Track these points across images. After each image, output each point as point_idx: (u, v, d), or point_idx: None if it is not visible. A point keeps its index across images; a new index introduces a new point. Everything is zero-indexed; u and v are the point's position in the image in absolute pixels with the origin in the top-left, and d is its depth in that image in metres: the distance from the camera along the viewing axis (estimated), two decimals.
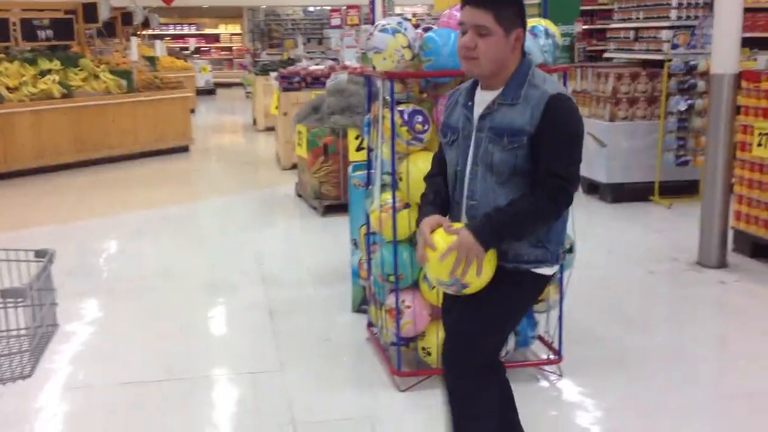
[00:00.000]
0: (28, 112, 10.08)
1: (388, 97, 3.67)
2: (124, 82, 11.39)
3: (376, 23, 3.81)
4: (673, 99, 7.53)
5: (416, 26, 4.08)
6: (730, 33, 5.43)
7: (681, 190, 7.76)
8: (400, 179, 3.68)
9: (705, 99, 7.25)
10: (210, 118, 17.44)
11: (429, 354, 3.84)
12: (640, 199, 7.78)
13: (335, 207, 7.42)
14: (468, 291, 2.52)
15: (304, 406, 3.72)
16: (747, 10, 7.95)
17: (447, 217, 2.62)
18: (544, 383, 3.93)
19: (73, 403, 3.84)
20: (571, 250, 3.97)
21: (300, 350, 4.39)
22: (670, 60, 7.62)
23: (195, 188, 9.52)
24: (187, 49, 26.87)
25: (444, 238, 2.47)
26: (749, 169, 5.87)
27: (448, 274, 2.46)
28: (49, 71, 10.89)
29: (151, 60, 16.36)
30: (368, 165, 4.27)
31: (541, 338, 4.16)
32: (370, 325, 4.43)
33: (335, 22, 19.47)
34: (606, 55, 9.52)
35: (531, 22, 3.74)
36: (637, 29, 8.64)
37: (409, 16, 20.19)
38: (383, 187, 3.87)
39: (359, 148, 6.50)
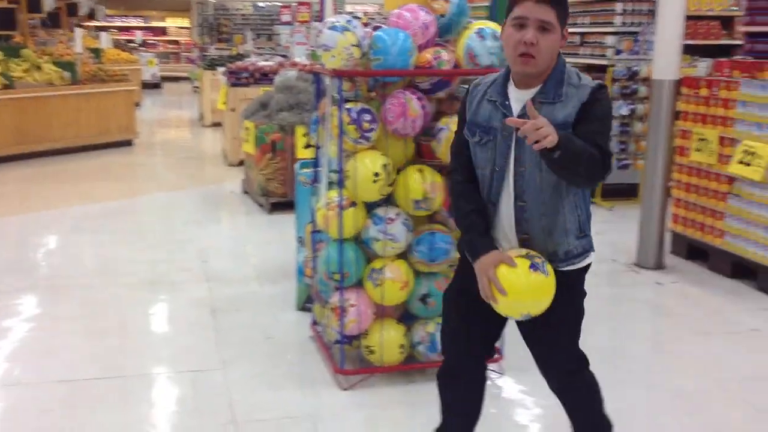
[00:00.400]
0: None
1: (336, 95, 3.66)
2: (67, 74, 11.14)
3: (326, 21, 3.80)
4: (615, 103, 7.68)
5: (366, 25, 4.08)
6: (671, 40, 5.57)
7: (622, 192, 7.93)
8: (347, 177, 3.68)
9: (646, 104, 7.42)
10: (155, 112, 17.17)
11: (372, 352, 3.84)
12: None
13: (282, 204, 7.39)
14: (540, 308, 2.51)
15: (245, 405, 3.69)
16: (688, 17, 8.16)
17: None
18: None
19: (6, 401, 3.75)
20: None
21: (242, 348, 4.35)
22: (613, 65, 7.78)
23: (138, 183, 9.37)
24: (133, 41, 26.41)
25: (516, 278, 2.41)
26: (687, 173, 6.02)
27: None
28: None
29: (96, 52, 16.03)
30: (315, 163, 4.26)
31: None
32: (314, 323, 4.42)
33: (285, 18, 19.35)
34: None
35: (479, 24, 3.78)
36: (582, 34, 8.79)
37: (360, 15, 20.19)
38: (330, 185, 3.87)
39: (307, 146, 6.48)
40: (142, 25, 28.28)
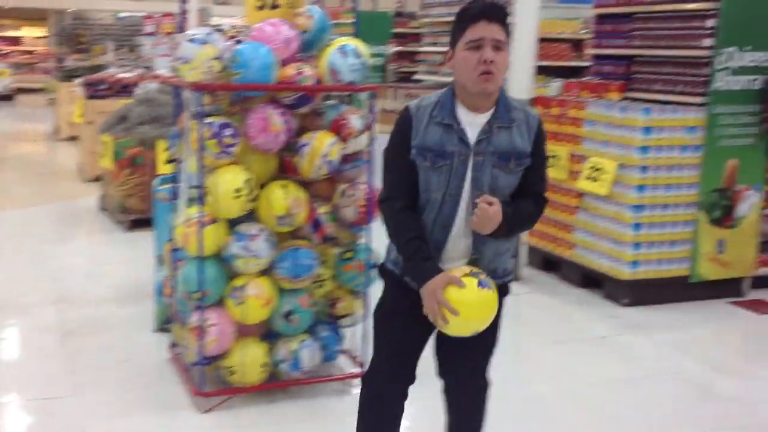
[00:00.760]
0: None
1: (195, 109, 3.58)
2: None
3: (185, 33, 3.73)
4: None
5: (234, 38, 4.03)
6: (524, 61, 5.82)
7: None
8: (208, 193, 3.60)
9: None
10: (6, 125, 16.23)
11: (233, 372, 3.77)
12: None
13: (142, 221, 7.12)
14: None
15: None
16: (542, 40, 8.55)
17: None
18: (348, 396, 3.97)
19: None
20: (376, 265, 4.05)
21: (96, 373, 4.16)
22: None
23: None
24: None
25: (465, 298, 2.43)
26: None
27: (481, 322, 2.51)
28: None
29: None
30: (175, 178, 4.15)
31: (347, 352, 4.21)
32: (173, 344, 4.29)
33: (149, 29, 18.80)
34: (416, 76, 9.88)
35: (341, 41, 3.81)
36: (445, 53, 9.04)
37: (227, 27, 19.91)
38: (190, 201, 3.77)
39: (169, 161, 6.29)
40: None
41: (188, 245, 3.68)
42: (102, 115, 9.11)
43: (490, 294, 2.48)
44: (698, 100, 5.44)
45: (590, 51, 6.90)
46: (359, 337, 4.08)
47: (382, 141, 8.91)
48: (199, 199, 3.61)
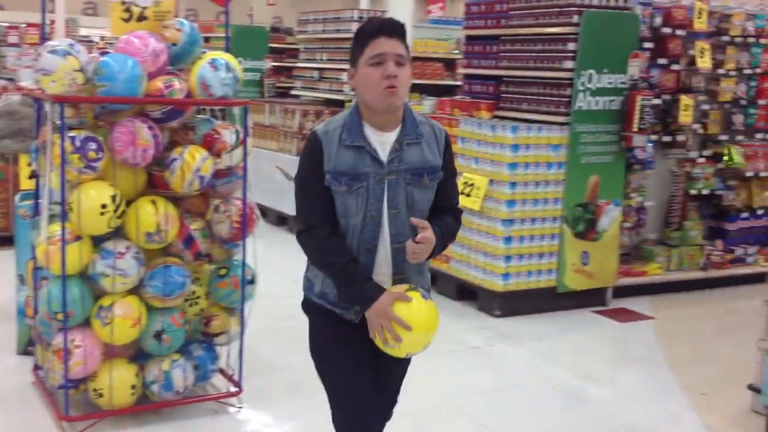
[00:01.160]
0: None
1: (57, 122, 3.44)
2: None
3: (46, 44, 3.59)
4: None
5: (101, 50, 3.90)
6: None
7: None
8: (71, 210, 3.46)
9: None
10: None
11: (101, 395, 3.62)
12: None
13: (3, 239, 6.75)
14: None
15: None
16: (417, 59, 8.76)
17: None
18: (224, 416, 3.91)
19: None
20: (252, 281, 4.02)
21: None
22: (350, 100, 8.11)
23: None
24: None
25: (415, 312, 2.40)
26: None
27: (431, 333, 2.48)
28: None
29: None
30: (36, 194, 3.96)
31: (222, 371, 4.13)
32: (36, 367, 4.08)
33: (13, 40, 17.89)
34: (293, 92, 9.87)
35: (212, 55, 3.77)
36: (321, 69, 9.08)
37: (97, 39, 19.24)
38: (52, 217, 3.61)
39: (32, 176, 6.00)
40: None
41: (51, 264, 3.52)
42: None
43: (434, 306, 2.49)
44: (562, 119, 5.70)
45: (461, 71, 7.11)
46: (235, 355, 4.01)
47: (258, 156, 8.81)
48: (62, 216, 3.46)
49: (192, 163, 3.59)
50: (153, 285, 3.61)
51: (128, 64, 3.46)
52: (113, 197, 3.47)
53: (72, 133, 3.44)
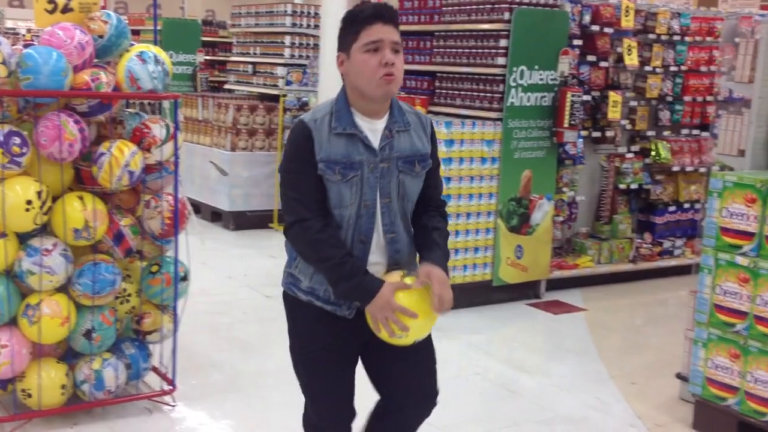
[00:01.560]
0: None
1: None
2: None
3: None
4: (285, 132, 7.95)
5: (30, 42, 3.78)
6: (333, 73, 5.90)
7: None
8: None
9: None
10: None
11: (29, 396, 3.53)
12: (261, 226, 8.06)
13: None
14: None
15: None
16: None
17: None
18: (158, 415, 3.84)
19: None
20: (185, 278, 3.96)
21: None
22: (285, 95, 8.06)
23: None
24: None
25: (417, 298, 2.34)
26: None
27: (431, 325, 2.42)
28: None
29: None
30: None
31: (155, 369, 4.06)
32: None
33: None
34: (227, 86, 9.75)
35: (140, 47, 3.69)
36: (254, 64, 8.99)
37: (23, 31, 18.65)
38: None
39: None
40: None
41: None
42: None
43: (429, 286, 2.40)
44: (495, 115, 5.78)
45: None
46: (168, 353, 3.95)
47: (191, 151, 8.69)
48: None
49: (120, 158, 3.51)
50: (82, 283, 3.53)
51: (53, 57, 3.37)
52: (39, 193, 3.38)
53: None
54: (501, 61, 5.72)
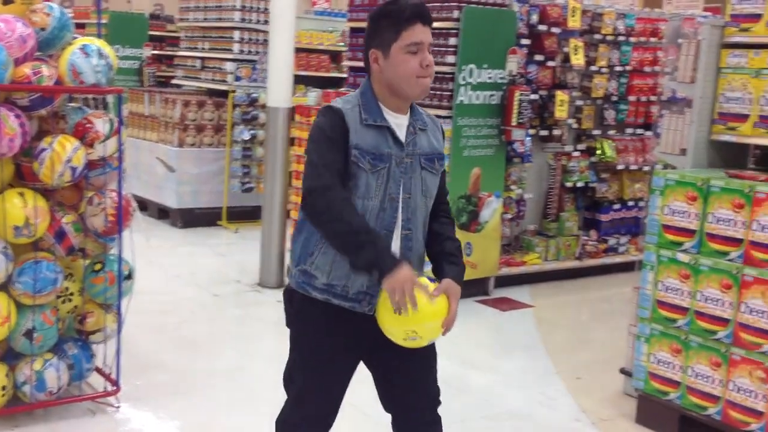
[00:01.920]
0: None
1: None
2: None
3: None
4: (237, 128, 7.88)
5: None
6: (282, 70, 5.88)
7: (247, 215, 8.13)
8: None
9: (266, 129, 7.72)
10: None
11: None
12: (209, 223, 7.97)
13: None
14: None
15: None
16: (303, 50, 8.70)
17: None
18: (101, 416, 3.77)
19: None
20: (129, 276, 3.89)
21: None
22: (234, 91, 7.98)
23: None
24: None
25: (435, 305, 2.32)
26: None
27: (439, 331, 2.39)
28: None
29: None
30: None
31: (99, 370, 3.98)
32: None
33: None
34: (174, 81, 9.61)
35: (84, 40, 3.62)
36: (203, 59, 8.88)
37: None
38: None
39: None
40: None
41: None
42: None
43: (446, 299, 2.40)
44: (445, 112, 5.80)
45: (347, 63, 7.12)
46: (112, 354, 3.88)
47: (138, 147, 8.54)
48: None
49: (62, 154, 3.43)
50: (22, 281, 3.44)
51: None
52: None
53: None
54: (450, 59, 5.75)
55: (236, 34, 8.34)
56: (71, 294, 3.72)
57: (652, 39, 7.15)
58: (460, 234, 5.83)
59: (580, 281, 6.84)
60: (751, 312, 3.56)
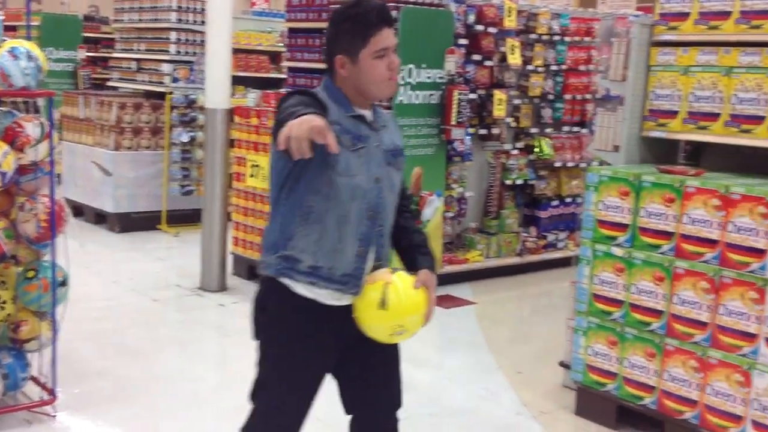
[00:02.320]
0: None
1: None
2: None
3: None
4: (176, 131, 7.77)
5: None
6: (220, 71, 5.82)
7: (187, 218, 8.01)
8: None
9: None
10: None
11: None
12: (148, 228, 7.83)
13: None
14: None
15: None
16: (241, 51, 8.63)
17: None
18: (38, 426, 3.69)
19: None
20: (64, 283, 3.81)
21: None
22: (171, 93, 7.86)
23: None
24: None
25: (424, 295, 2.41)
26: (244, 198, 6.33)
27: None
28: None
29: None
30: None
31: (34, 379, 3.89)
32: None
33: None
34: (110, 83, 9.43)
35: (12, 43, 3.54)
36: (139, 60, 8.73)
37: None
38: None
39: None
40: None
41: None
42: None
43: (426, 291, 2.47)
44: (386, 112, 5.81)
45: (286, 64, 7.08)
46: (48, 362, 3.79)
47: (73, 151, 8.35)
48: None
49: None
50: None
51: None
52: None
53: None
54: None
55: (173, 35, 8.22)
56: (4, 302, 3.62)
57: (587, 38, 7.30)
58: None
59: (520, 277, 6.94)
60: (683, 303, 3.66)
